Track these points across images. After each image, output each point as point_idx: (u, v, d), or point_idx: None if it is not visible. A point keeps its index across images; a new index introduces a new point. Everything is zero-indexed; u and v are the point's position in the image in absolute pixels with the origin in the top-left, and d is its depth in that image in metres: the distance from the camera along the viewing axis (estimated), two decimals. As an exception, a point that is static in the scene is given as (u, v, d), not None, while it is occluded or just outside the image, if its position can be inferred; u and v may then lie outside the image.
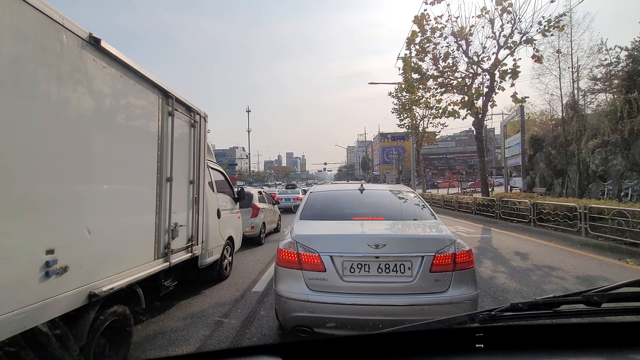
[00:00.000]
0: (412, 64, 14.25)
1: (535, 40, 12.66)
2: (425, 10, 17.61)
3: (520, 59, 14.86)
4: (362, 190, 4.21)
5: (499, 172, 35.35)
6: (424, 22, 13.22)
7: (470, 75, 13.95)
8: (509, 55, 12.87)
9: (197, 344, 3.29)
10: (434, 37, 13.46)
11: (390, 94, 25.08)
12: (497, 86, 13.38)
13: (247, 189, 9.05)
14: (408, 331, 1.08)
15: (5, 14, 1.77)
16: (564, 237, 8.94)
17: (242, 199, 6.72)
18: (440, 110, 15.54)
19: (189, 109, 4.17)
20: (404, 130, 27.51)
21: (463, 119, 14.80)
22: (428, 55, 13.89)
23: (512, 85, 13.21)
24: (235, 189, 6.76)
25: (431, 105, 16.95)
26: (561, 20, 12.94)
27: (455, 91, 14.41)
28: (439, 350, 1.04)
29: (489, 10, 12.85)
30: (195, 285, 5.06)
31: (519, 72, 12.73)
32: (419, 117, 24.86)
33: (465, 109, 14.18)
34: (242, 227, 7.14)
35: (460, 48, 13.56)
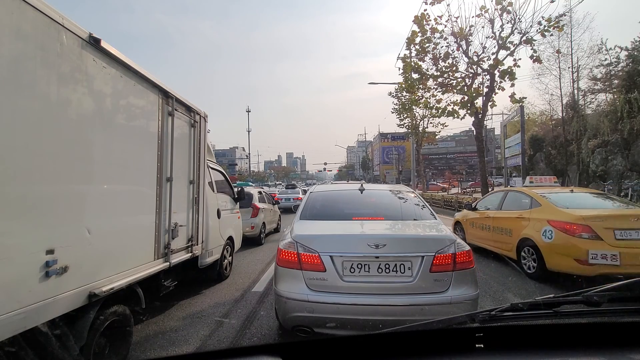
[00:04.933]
0: (412, 64, 14.25)
1: (535, 40, 12.68)
2: (425, 10, 17.62)
3: (520, 59, 14.94)
4: (362, 190, 4.21)
5: (499, 172, 35.34)
6: (424, 22, 13.23)
7: (470, 75, 13.96)
8: (509, 56, 12.90)
9: (197, 344, 3.29)
10: (434, 37, 13.47)
11: (390, 94, 25.11)
12: (497, 86, 13.39)
13: (247, 189, 9.05)
14: (408, 331, 1.08)
15: (5, 14, 1.77)
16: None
17: (242, 199, 6.72)
18: (440, 110, 15.55)
19: (189, 109, 4.17)
20: (404, 130, 27.53)
21: (461, 119, 14.80)
22: (428, 55, 13.89)
23: (512, 85, 13.23)
24: (236, 189, 6.76)
25: (431, 105, 16.97)
26: (561, 20, 12.96)
27: (455, 91, 14.41)
28: (439, 350, 1.04)
29: (489, 9, 12.87)
30: (195, 285, 5.06)
31: (515, 73, 12.77)
32: (419, 117, 24.87)
33: (465, 109, 14.19)
34: (242, 227, 7.14)
35: (460, 48, 13.57)
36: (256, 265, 6.60)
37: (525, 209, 5.85)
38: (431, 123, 24.40)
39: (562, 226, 4.88)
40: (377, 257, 2.82)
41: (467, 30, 13.18)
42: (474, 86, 14.03)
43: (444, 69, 13.93)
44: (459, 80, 14.09)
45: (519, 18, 12.48)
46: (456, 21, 13.34)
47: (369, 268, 2.82)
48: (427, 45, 13.61)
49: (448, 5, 14.85)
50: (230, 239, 5.97)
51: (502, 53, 13.00)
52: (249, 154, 58.64)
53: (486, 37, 13.53)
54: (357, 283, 2.80)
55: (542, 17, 12.28)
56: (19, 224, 1.90)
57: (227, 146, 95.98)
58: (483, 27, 13.74)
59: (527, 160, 20.96)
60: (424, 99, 17.28)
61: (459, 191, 30.11)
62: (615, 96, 16.27)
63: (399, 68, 14.94)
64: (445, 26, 13.31)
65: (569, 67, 19.00)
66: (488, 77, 13.63)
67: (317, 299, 2.76)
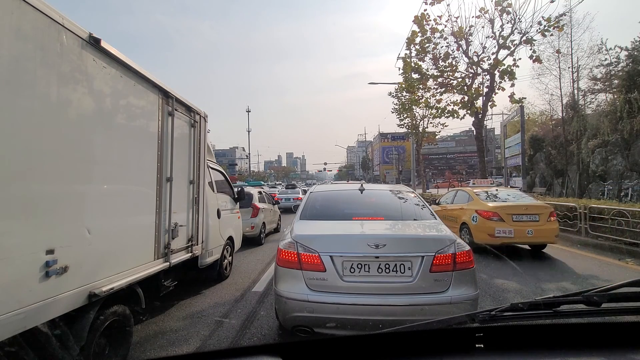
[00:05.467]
0: (412, 64, 14.24)
1: (535, 40, 12.69)
2: (425, 10, 17.61)
3: (520, 59, 14.87)
4: (362, 190, 4.21)
5: (499, 172, 35.31)
6: (424, 22, 13.23)
7: (470, 75, 13.96)
8: (509, 56, 12.90)
9: (197, 344, 3.29)
10: (434, 37, 13.47)
11: (390, 94, 25.04)
12: (497, 86, 13.39)
13: (247, 189, 9.05)
14: (408, 331, 1.08)
15: (5, 14, 1.77)
16: (564, 237, 8.92)
17: (242, 199, 6.72)
18: (440, 110, 15.54)
19: (189, 109, 4.17)
20: (404, 130, 27.48)
21: (461, 119, 14.81)
22: (428, 55, 13.89)
23: (512, 85, 13.23)
24: (236, 189, 6.76)
25: (431, 105, 16.96)
26: (561, 20, 12.96)
27: (455, 91, 14.41)
28: (439, 350, 1.04)
29: (488, 10, 12.88)
30: (195, 285, 5.06)
31: (515, 73, 12.78)
32: (419, 117, 24.83)
33: (465, 109, 14.19)
34: (242, 227, 7.14)
35: (460, 48, 13.57)
36: (256, 265, 6.60)
37: (465, 202, 8.24)
38: (431, 123, 24.35)
39: (482, 213, 7.29)
40: (377, 257, 2.82)
41: (467, 30, 13.19)
42: (474, 86, 14.03)
43: (444, 69, 13.92)
44: (459, 80, 14.09)
45: (518, 18, 12.50)
46: (456, 21, 13.36)
47: (369, 268, 2.82)
48: (427, 45, 13.60)
49: (448, 5, 14.90)
50: (230, 239, 5.97)
51: (502, 53, 13.03)
52: (249, 154, 58.59)
53: (486, 37, 13.55)
54: (357, 283, 2.80)
55: (542, 17, 12.29)
56: (19, 224, 1.90)
57: (227, 146, 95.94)
58: (483, 27, 13.76)
59: (527, 160, 20.95)
60: (424, 98, 17.27)
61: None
62: (615, 96, 16.25)
63: (399, 68, 14.95)
64: (445, 26, 13.32)
65: (569, 67, 18.99)
66: (488, 77, 13.63)
67: (317, 299, 2.76)
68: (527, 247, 7.57)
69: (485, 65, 13.46)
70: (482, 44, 14.13)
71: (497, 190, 8.40)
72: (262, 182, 31.34)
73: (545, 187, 20.76)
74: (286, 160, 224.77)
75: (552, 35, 13.25)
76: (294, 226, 3.36)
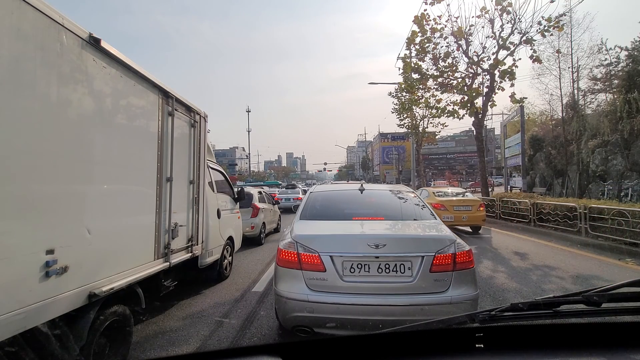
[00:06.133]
0: (412, 64, 14.24)
1: (535, 40, 12.69)
2: (425, 10, 17.61)
3: (520, 59, 14.83)
4: (362, 190, 4.21)
5: (499, 172, 35.32)
6: (424, 22, 13.23)
7: (470, 75, 13.96)
8: (509, 56, 12.90)
9: (197, 344, 3.29)
10: (434, 37, 13.47)
11: (390, 94, 25.09)
12: (497, 86, 13.40)
13: (247, 189, 9.04)
14: (408, 331, 1.08)
15: (5, 14, 1.77)
16: (564, 237, 8.94)
17: (242, 199, 6.72)
18: (440, 110, 15.55)
19: (189, 109, 4.17)
20: (404, 130, 27.51)
21: (460, 119, 14.83)
22: (428, 55, 13.89)
23: (512, 85, 13.23)
24: (235, 189, 6.76)
25: (431, 105, 16.97)
26: (561, 20, 12.96)
27: (455, 91, 14.41)
28: (439, 350, 1.04)
29: (489, 10, 12.88)
30: (195, 285, 5.06)
31: (515, 73, 12.79)
32: (419, 117, 24.85)
33: (465, 109, 14.19)
34: (242, 227, 7.13)
35: (460, 48, 13.58)
36: (256, 265, 6.60)
37: (426, 197, 10.98)
38: (431, 123, 24.38)
39: (434, 205, 9.86)
40: (377, 257, 2.82)
41: (467, 30, 13.19)
42: (474, 86, 14.03)
43: (444, 69, 13.92)
44: (459, 80, 14.09)
45: (518, 18, 12.50)
46: (456, 21, 13.36)
47: (369, 268, 2.82)
48: (427, 45, 13.60)
49: (448, 5, 14.90)
50: (230, 239, 5.97)
51: (502, 53, 13.03)
52: (249, 154, 58.55)
53: (486, 37, 13.57)
54: (357, 283, 2.80)
55: (542, 17, 12.30)
56: (19, 224, 1.90)
57: (227, 146, 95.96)
58: (483, 27, 13.79)
59: (527, 160, 20.94)
60: (423, 98, 17.28)
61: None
62: (615, 96, 16.25)
63: (399, 68, 14.94)
64: (445, 26, 13.31)
65: (569, 67, 18.96)
66: (488, 77, 13.64)
67: (317, 299, 2.76)
68: (469, 229, 10.64)
69: (485, 65, 13.47)
70: (482, 44, 14.19)
71: (448, 189, 12.32)
72: (280, 182, 33.03)
73: (545, 187, 20.76)
74: (286, 160, 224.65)
75: (552, 35, 13.26)
76: (294, 226, 3.36)
